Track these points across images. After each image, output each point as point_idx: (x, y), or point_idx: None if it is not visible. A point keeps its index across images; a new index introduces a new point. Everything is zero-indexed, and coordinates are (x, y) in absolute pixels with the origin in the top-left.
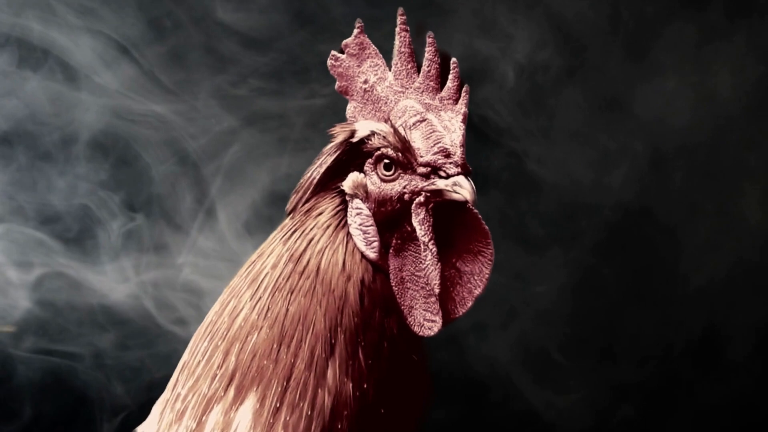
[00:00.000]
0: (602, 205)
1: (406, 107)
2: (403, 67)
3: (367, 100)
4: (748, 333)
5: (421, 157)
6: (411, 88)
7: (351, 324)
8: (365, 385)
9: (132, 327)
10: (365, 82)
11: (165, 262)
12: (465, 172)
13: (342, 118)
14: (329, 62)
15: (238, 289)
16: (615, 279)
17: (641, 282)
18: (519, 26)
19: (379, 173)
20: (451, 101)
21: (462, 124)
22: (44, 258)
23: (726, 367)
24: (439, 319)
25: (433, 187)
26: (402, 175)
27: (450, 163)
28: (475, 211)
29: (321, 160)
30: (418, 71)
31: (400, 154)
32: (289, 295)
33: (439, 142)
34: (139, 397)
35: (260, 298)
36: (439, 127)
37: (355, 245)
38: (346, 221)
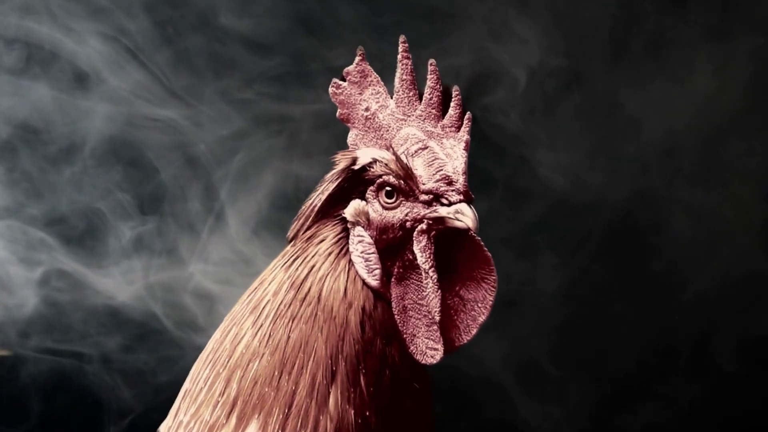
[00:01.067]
0: (602, 211)
1: (408, 135)
2: (405, 95)
3: (369, 127)
4: (746, 341)
5: (423, 184)
6: (413, 115)
7: (352, 351)
8: (367, 413)
9: (140, 330)
10: (367, 109)
11: (174, 266)
12: (467, 200)
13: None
14: (331, 90)
15: (240, 316)
16: (611, 284)
17: (637, 287)
18: (529, 32)
19: (381, 201)
20: (453, 129)
21: (464, 151)
22: (52, 260)
23: (723, 375)
24: (441, 347)
25: (435, 214)
26: (404, 202)
27: (452, 190)
28: (478, 238)
29: (323, 187)
30: (420, 99)
31: (402, 182)
32: (291, 322)
33: (441, 169)
34: (146, 400)
35: (262, 325)
36: (441, 154)
37: (356, 273)
38: (348, 249)
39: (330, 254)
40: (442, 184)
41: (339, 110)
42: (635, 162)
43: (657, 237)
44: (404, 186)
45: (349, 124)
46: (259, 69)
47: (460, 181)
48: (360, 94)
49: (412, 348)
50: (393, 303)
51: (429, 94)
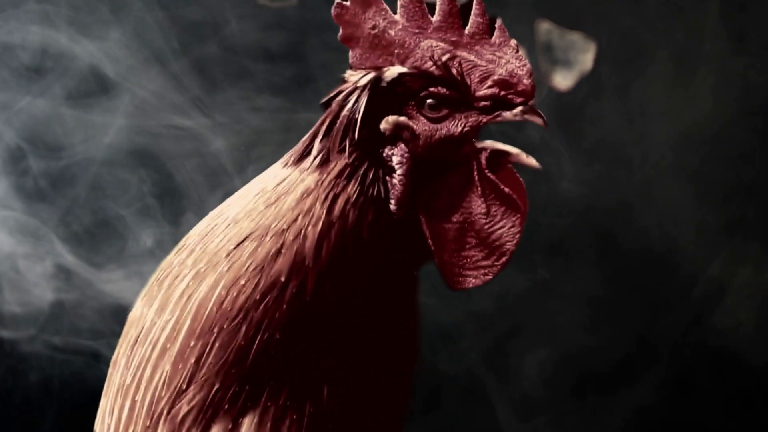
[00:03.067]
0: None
1: (432, 46)
2: (417, 9)
3: (377, 45)
4: (745, 354)
5: (476, 91)
6: (430, 28)
7: None
8: None
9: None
10: (374, 27)
11: None
12: (529, 101)
13: None
14: (334, 11)
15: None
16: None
17: (623, 294)
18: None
19: (426, 114)
20: (485, 36)
21: (516, 52)
22: (66, 261)
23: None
24: (474, 273)
25: (500, 119)
26: (453, 113)
27: (512, 93)
28: (511, 165)
29: (336, 110)
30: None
31: (453, 91)
32: None
33: (491, 74)
34: None
35: None
36: (480, 61)
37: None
38: (371, 176)
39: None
40: (498, 88)
41: (342, 31)
42: (640, 170)
43: (658, 249)
44: (455, 95)
45: (350, 44)
46: (275, 78)
47: (523, 81)
48: (364, 12)
49: (443, 274)
50: (426, 227)
51: (447, 5)
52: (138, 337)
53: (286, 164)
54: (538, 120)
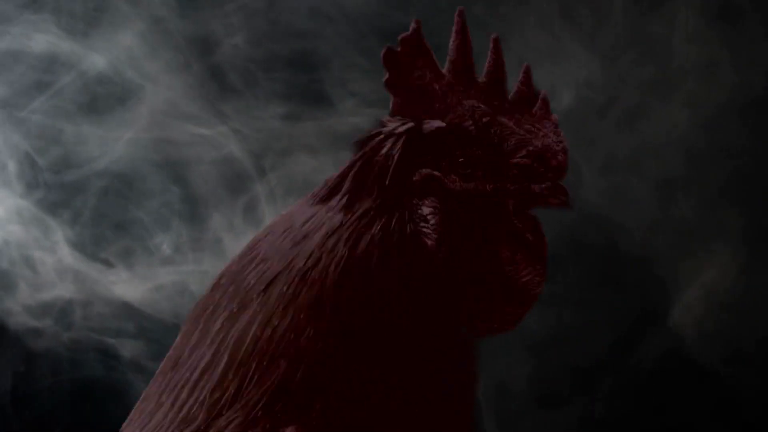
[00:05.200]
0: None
1: (474, 106)
2: (465, 68)
3: (419, 96)
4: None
5: (510, 158)
6: (474, 88)
7: None
8: None
9: (167, 337)
10: (420, 78)
11: (204, 275)
12: (559, 177)
13: None
14: (384, 55)
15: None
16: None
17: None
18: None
19: (457, 171)
20: (527, 105)
21: (555, 127)
22: (85, 264)
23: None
24: (499, 321)
25: (527, 190)
26: (484, 174)
27: (544, 167)
28: (533, 214)
29: (378, 152)
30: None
31: (486, 154)
32: None
33: (527, 144)
34: None
35: None
36: (518, 129)
37: (422, 247)
38: (407, 222)
39: (401, 232)
40: (531, 159)
41: (388, 76)
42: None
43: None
44: (487, 157)
45: (394, 91)
46: (287, 85)
47: (557, 157)
48: (412, 62)
49: (467, 321)
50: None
51: (494, 68)
52: (177, 361)
53: (314, 201)
54: (562, 200)
